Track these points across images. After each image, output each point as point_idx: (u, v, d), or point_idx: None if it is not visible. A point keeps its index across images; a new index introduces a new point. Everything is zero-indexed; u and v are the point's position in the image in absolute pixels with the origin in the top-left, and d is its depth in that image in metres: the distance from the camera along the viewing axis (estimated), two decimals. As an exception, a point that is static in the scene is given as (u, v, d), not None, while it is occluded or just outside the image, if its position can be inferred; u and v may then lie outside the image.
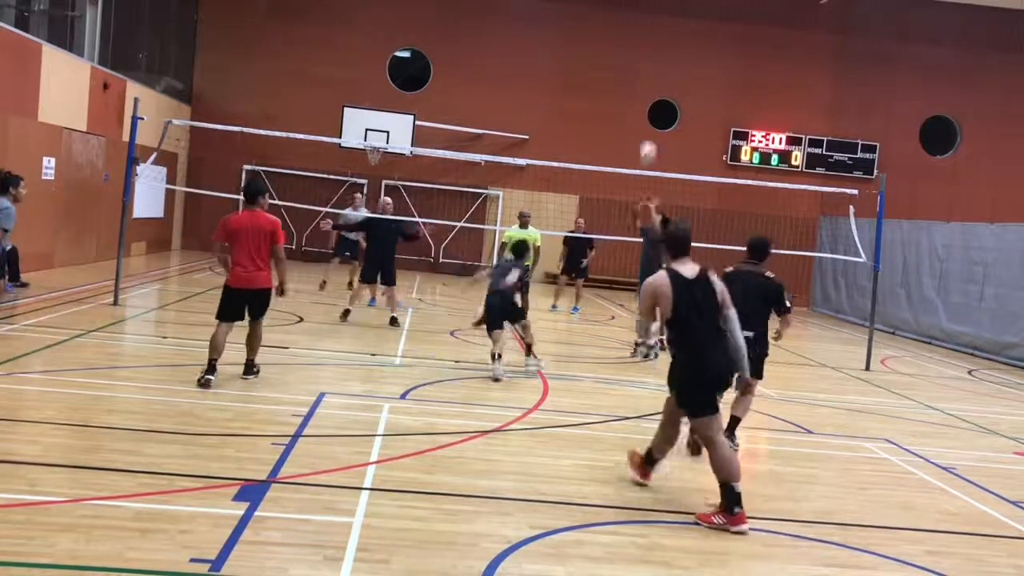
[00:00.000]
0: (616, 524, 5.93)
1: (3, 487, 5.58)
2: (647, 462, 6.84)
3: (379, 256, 14.11)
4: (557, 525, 5.78)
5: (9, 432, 6.74)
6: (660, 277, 6.45)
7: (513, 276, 10.92)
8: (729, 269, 8.35)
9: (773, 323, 8.56)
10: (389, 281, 14.15)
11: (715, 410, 6.44)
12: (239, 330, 9.28)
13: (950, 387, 13.48)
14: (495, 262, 14.35)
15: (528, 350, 11.41)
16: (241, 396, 8.50)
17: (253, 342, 9.27)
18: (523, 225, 15.30)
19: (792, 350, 16.39)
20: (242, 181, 25.17)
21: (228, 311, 9.10)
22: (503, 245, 14.41)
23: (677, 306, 6.33)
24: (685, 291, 6.34)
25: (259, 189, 9.44)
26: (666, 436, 6.83)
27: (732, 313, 6.53)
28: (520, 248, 11.34)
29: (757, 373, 8.21)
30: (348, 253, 16.92)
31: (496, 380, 10.39)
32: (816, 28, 26.72)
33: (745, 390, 8.15)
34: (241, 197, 10.52)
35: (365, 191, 25.48)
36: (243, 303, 9.09)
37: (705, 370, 6.37)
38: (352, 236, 15.98)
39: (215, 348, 8.89)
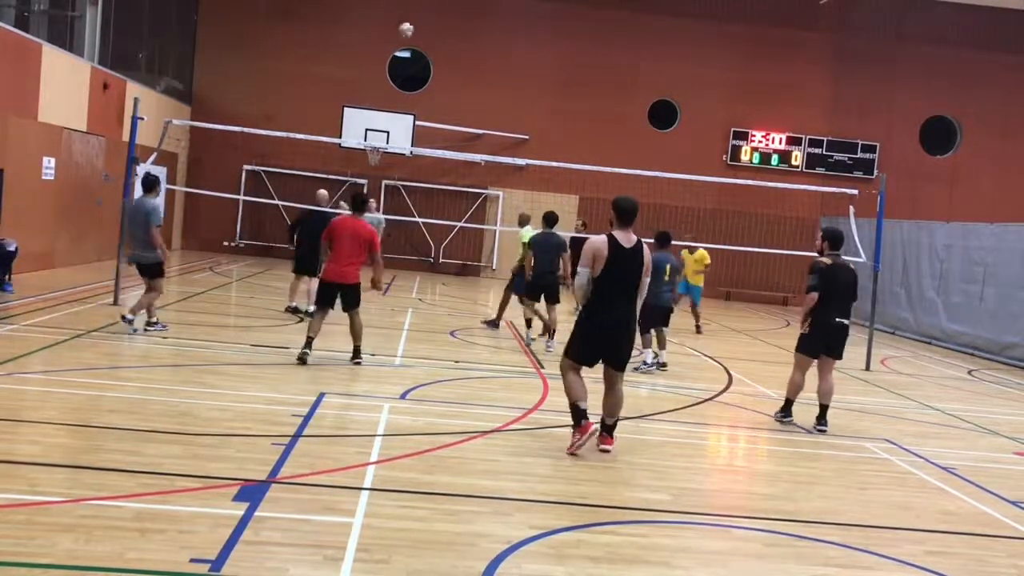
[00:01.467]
0: (616, 524, 5.93)
1: (3, 487, 5.58)
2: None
3: (312, 248, 13.73)
4: (557, 525, 5.78)
5: (9, 432, 6.74)
6: (600, 239, 7.45)
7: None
8: (825, 263, 9.38)
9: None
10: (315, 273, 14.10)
11: (584, 360, 7.60)
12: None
13: (950, 387, 13.48)
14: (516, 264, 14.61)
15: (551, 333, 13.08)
16: (241, 396, 8.50)
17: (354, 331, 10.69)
18: (522, 225, 15.31)
19: (792, 350, 16.38)
20: (242, 181, 25.23)
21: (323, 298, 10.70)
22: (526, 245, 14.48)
23: (607, 267, 7.32)
24: (618, 256, 7.33)
25: (366, 199, 11.32)
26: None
27: (647, 280, 7.55)
28: (552, 219, 13.30)
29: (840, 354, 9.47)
30: None
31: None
32: (816, 28, 26.72)
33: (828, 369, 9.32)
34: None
35: (365, 191, 25.52)
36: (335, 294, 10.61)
37: (595, 326, 7.46)
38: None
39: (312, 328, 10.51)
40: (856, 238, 15.41)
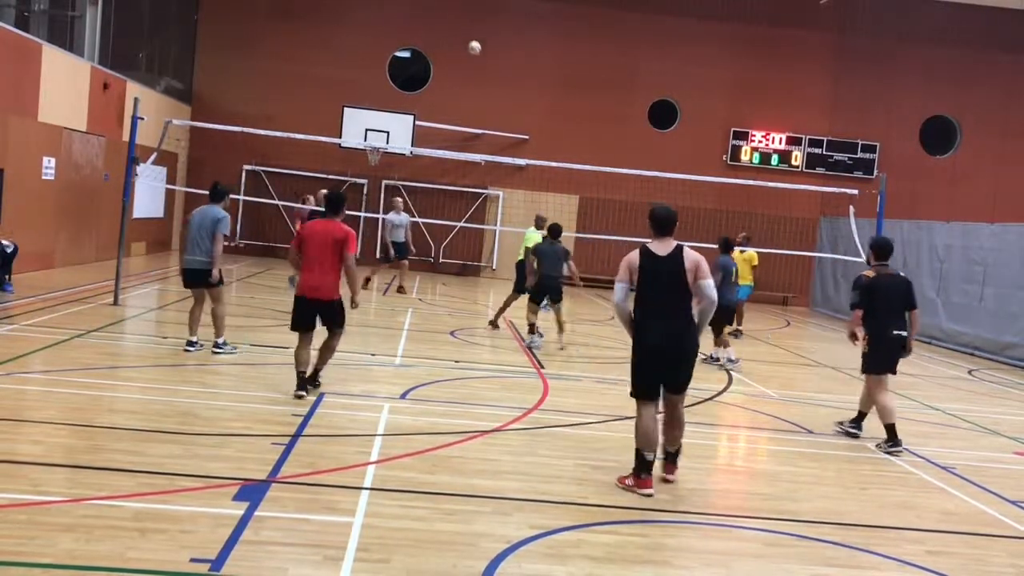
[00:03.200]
0: (616, 524, 5.93)
1: (4, 487, 5.58)
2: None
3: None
4: (557, 525, 5.78)
5: (10, 432, 6.74)
6: (633, 252, 6.89)
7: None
8: (867, 276, 9.01)
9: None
10: None
11: (642, 393, 6.78)
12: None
13: (950, 387, 13.48)
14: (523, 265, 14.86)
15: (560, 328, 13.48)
16: (241, 396, 8.50)
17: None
18: (539, 227, 15.31)
19: (792, 350, 16.40)
20: (242, 181, 25.22)
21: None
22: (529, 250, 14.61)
23: (641, 276, 6.76)
24: (650, 263, 6.75)
25: (343, 199, 9.12)
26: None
27: (708, 282, 6.76)
28: (557, 231, 13.61)
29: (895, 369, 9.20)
30: (397, 255, 18.28)
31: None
32: (816, 28, 26.72)
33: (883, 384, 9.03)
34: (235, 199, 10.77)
35: (364, 192, 25.52)
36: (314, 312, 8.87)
37: (640, 341, 6.77)
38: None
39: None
40: (856, 238, 15.42)
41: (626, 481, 6.72)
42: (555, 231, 13.62)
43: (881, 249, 9.18)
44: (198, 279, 10.51)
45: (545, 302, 13.69)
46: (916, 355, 16.97)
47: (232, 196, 11.61)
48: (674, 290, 6.70)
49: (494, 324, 14.85)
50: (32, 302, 13.15)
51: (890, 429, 8.80)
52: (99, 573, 4.53)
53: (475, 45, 16.91)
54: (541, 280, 13.38)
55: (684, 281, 6.69)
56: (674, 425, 6.97)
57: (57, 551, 4.68)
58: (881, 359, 9.09)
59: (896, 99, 26.97)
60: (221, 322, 10.51)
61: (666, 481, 6.92)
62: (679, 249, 6.77)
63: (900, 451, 8.64)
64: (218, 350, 10.43)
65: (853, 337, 9.32)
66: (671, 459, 7.03)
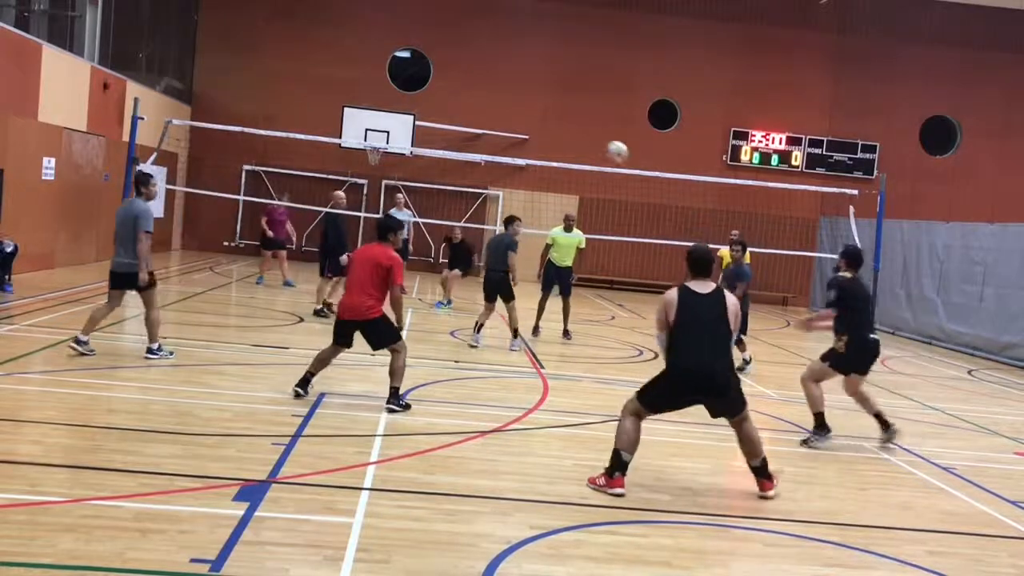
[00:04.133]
0: (616, 524, 5.93)
1: (4, 487, 5.58)
2: None
3: (333, 249, 14.26)
4: (557, 525, 5.78)
5: (10, 432, 6.74)
6: (671, 292, 6.84)
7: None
8: (846, 276, 8.88)
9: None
10: (336, 271, 14.24)
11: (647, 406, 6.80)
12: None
13: (950, 387, 13.48)
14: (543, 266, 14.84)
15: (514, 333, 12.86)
16: (241, 396, 8.50)
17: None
18: (568, 229, 15.20)
19: (792, 350, 16.40)
20: (242, 181, 25.22)
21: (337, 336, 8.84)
22: (548, 246, 14.75)
23: (679, 315, 6.67)
24: (691, 304, 6.70)
25: (390, 226, 8.88)
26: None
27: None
28: (507, 220, 13.37)
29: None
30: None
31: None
32: (816, 28, 26.72)
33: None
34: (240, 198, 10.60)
35: (364, 192, 25.52)
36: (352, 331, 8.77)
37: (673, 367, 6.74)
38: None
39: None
40: (856, 238, 15.43)
41: (597, 481, 6.64)
42: (506, 221, 13.54)
43: (854, 259, 8.99)
44: (123, 283, 9.83)
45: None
46: (916, 355, 17.04)
47: (232, 196, 11.54)
48: (713, 327, 6.68)
49: (535, 330, 14.69)
50: (32, 302, 13.15)
51: (820, 417, 8.84)
52: (99, 573, 4.52)
53: (620, 149, 15.45)
54: (485, 275, 13.39)
55: (724, 320, 6.71)
56: (744, 441, 6.86)
57: (57, 551, 4.68)
58: (863, 359, 8.89)
59: (896, 99, 26.97)
60: (155, 328, 9.89)
61: (765, 498, 6.75)
62: (720, 290, 6.83)
63: (827, 437, 8.69)
64: (151, 356, 9.86)
65: (808, 326, 9.30)
66: (762, 474, 6.81)
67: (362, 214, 22.99)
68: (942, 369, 15.40)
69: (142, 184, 10.07)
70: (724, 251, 17.09)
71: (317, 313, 14.15)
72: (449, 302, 17.23)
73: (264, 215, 18.25)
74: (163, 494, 5.67)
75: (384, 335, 8.68)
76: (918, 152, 27.52)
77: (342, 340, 8.76)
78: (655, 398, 6.77)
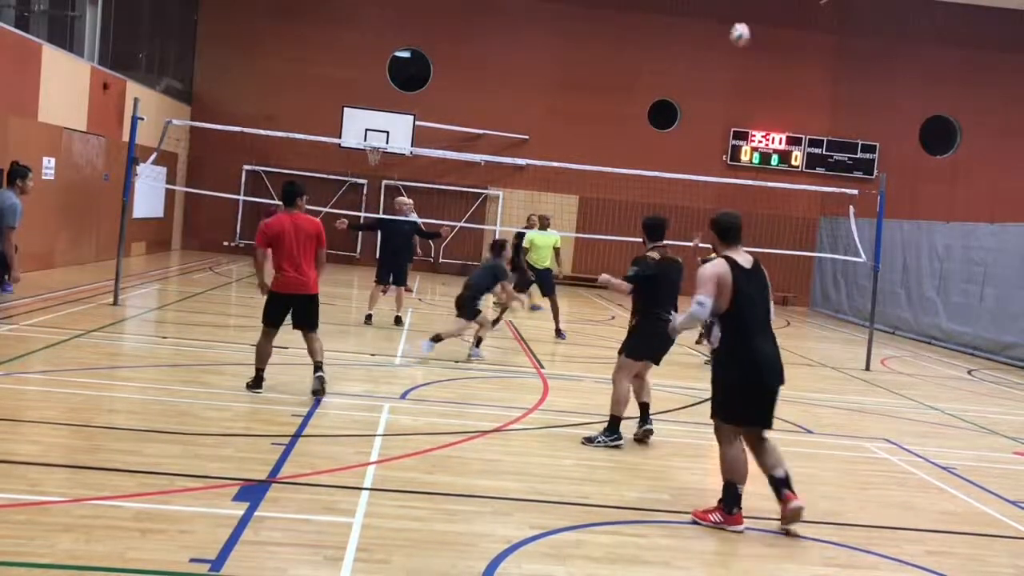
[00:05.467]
0: (616, 524, 5.93)
1: (4, 487, 5.58)
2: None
3: (392, 256, 14.23)
4: (557, 525, 5.78)
5: (9, 432, 6.74)
6: (719, 263, 6.14)
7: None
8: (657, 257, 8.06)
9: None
10: (400, 281, 14.22)
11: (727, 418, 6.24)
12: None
13: (950, 387, 13.48)
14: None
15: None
16: (241, 396, 8.50)
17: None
18: (544, 227, 15.25)
19: (792, 350, 16.39)
20: (242, 181, 25.22)
21: (273, 315, 8.72)
22: (525, 250, 14.75)
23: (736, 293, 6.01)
24: (743, 279, 6.06)
25: (297, 191, 8.92)
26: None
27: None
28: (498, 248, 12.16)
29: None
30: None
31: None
32: (816, 28, 26.72)
33: None
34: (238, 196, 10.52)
35: (364, 192, 25.51)
36: (288, 308, 8.70)
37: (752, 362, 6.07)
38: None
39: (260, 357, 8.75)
40: (856, 238, 15.42)
41: (711, 517, 6.01)
42: (497, 246, 12.30)
43: (653, 230, 8.17)
44: None
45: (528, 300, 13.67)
46: (916, 355, 17.04)
47: (232, 196, 11.57)
48: (767, 306, 6.18)
49: (558, 333, 14.64)
50: (32, 302, 13.14)
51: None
52: (99, 573, 4.52)
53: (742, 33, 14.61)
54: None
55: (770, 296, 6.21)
56: (767, 451, 6.23)
57: (57, 551, 4.67)
58: (651, 345, 8.04)
59: (896, 99, 26.97)
60: None
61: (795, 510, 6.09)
62: (758, 261, 6.27)
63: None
64: None
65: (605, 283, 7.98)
66: (786, 484, 6.08)
67: (362, 214, 22.97)
68: (942, 369, 15.40)
69: (19, 176, 9.63)
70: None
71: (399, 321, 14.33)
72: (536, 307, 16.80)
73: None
74: (163, 494, 5.67)
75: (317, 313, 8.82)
76: (918, 152, 27.52)
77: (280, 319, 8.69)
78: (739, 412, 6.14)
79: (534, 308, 16.50)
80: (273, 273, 8.73)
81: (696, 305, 6.01)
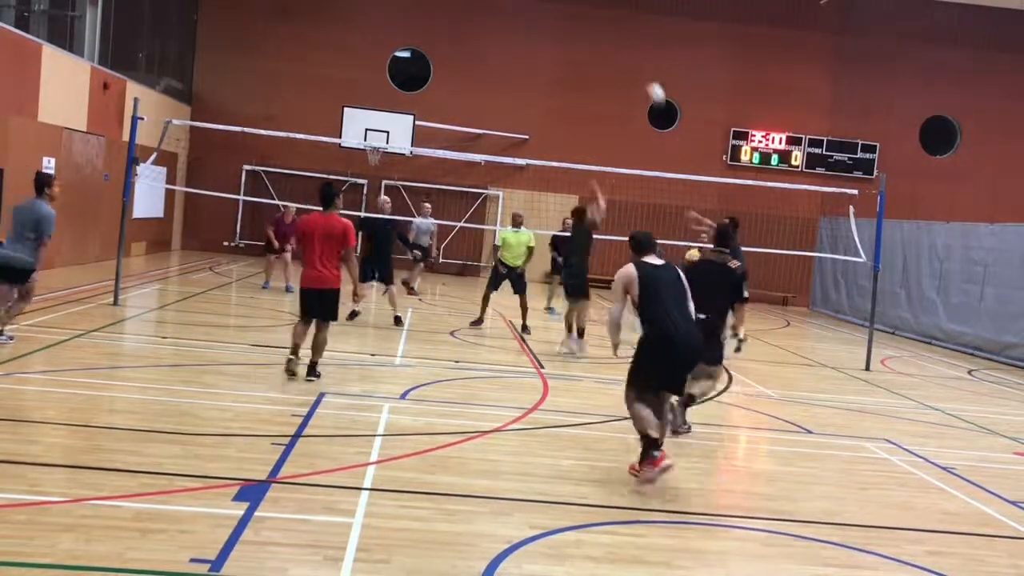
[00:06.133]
0: (616, 524, 5.93)
1: (4, 487, 5.58)
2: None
3: (375, 255, 14.26)
4: (557, 525, 5.78)
5: (9, 432, 6.74)
6: (625, 269, 7.17)
7: None
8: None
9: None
10: (385, 279, 14.25)
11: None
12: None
13: (950, 387, 13.48)
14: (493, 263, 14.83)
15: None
16: (241, 396, 8.50)
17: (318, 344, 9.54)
18: (516, 226, 15.33)
19: (792, 350, 16.40)
20: (242, 181, 25.22)
21: (302, 308, 9.58)
22: (496, 248, 14.84)
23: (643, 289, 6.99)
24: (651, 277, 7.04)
25: (335, 191, 9.71)
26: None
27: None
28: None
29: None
30: (419, 258, 18.53)
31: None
32: (816, 28, 26.72)
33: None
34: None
35: (364, 192, 25.51)
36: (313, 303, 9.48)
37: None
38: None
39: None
40: (856, 238, 15.42)
41: (644, 472, 6.69)
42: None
43: (722, 235, 8.91)
44: (12, 278, 9.74)
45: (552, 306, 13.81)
46: (916, 355, 17.04)
47: (232, 196, 11.67)
48: (682, 293, 7.12)
49: (524, 328, 14.73)
50: (32, 302, 13.13)
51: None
52: (99, 573, 4.52)
53: (658, 92, 14.87)
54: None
55: (685, 286, 7.16)
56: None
57: (57, 551, 4.68)
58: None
59: (896, 99, 26.98)
60: (13, 318, 10.07)
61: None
62: (670, 262, 7.30)
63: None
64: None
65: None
66: (657, 447, 6.82)
67: (362, 214, 22.94)
68: (942, 369, 15.40)
69: (46, 184, 9.92)
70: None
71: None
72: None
73: (271, 224, 18.01)
74: (163, 494, 5.67)
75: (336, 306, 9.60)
76: (918, 152, 27.51)
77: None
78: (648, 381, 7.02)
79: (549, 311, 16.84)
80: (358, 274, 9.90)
81: (607, 312, 7.23)
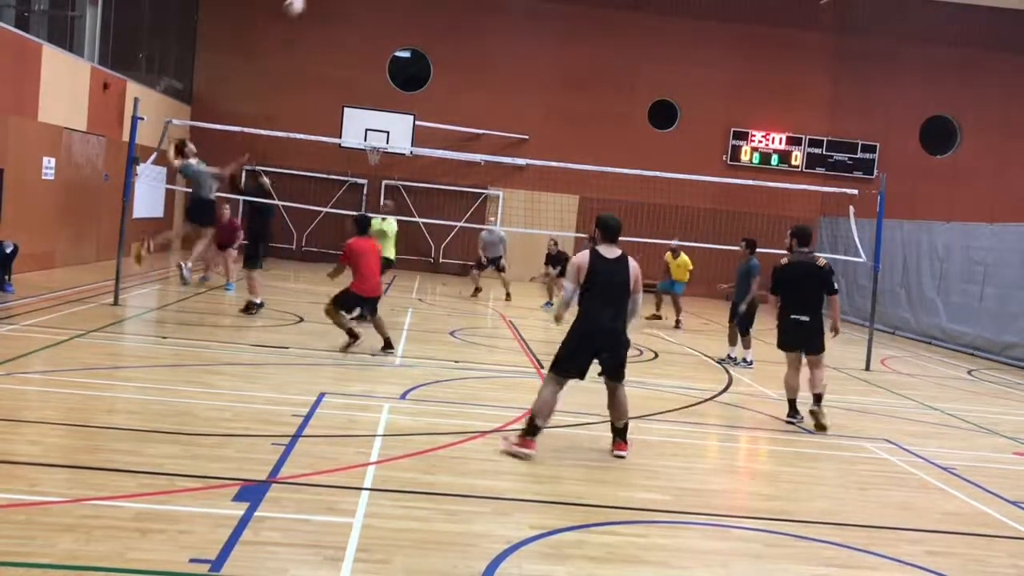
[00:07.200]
0: (616, 524, 5.93)
1: (3, 487, 5.58)
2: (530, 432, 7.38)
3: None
4: (557, 525, 5.78)
5: (9, 432, 6.74)
6: (583, 253, 7.54)
7: None
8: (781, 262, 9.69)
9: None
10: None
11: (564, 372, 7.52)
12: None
13: (950, 387, 13.48)
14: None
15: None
16: (241, 396, 8.50)
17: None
18: (384, 217, 15.64)
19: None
20: (242, 181, 25.19)
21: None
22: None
23: (589, 278, 7.39)
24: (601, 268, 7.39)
25: (369, 222, 12.01)
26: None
27: (638, 298, 7.65)
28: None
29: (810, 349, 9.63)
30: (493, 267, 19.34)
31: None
32: (816, 28, 26.72)
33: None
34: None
35: (364, 192, 25.50)
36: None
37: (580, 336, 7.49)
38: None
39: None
40: (856, 238, 15.42)
41: (511, 440, 7.36)
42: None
43: (802, 236, 9.61)
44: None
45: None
46: (916, 355, 17.04)
47: (228, 196, 11.94)
48: (621, 291, 7.45)
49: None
50: (32, 302, 13.14)
51: (790, 404, 9.65)
52: (99, 573, 4.52)
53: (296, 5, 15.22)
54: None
55: (628, 285, 7.48)
56: (617, 404, 7.59)
57: (57, 551, 4.67)
58: (783, 338, 9.65)
59: (896, 99, 26.98)
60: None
61: (619, 456, 7.50)
62: (625, 257, 7.52)
63: (797, 422, 9.47)
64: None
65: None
66: (622, 436, 7.60)
67: (362, 214, 22.95)
68: (942, 369, 15.40)
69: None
70: (684, 258, 17.96)
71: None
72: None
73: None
74: (163, 494, 5.67)
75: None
76: (918, 152, 27.52)
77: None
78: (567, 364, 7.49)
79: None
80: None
81: (564, 291, 7.60)
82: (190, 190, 13.83)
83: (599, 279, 7.36)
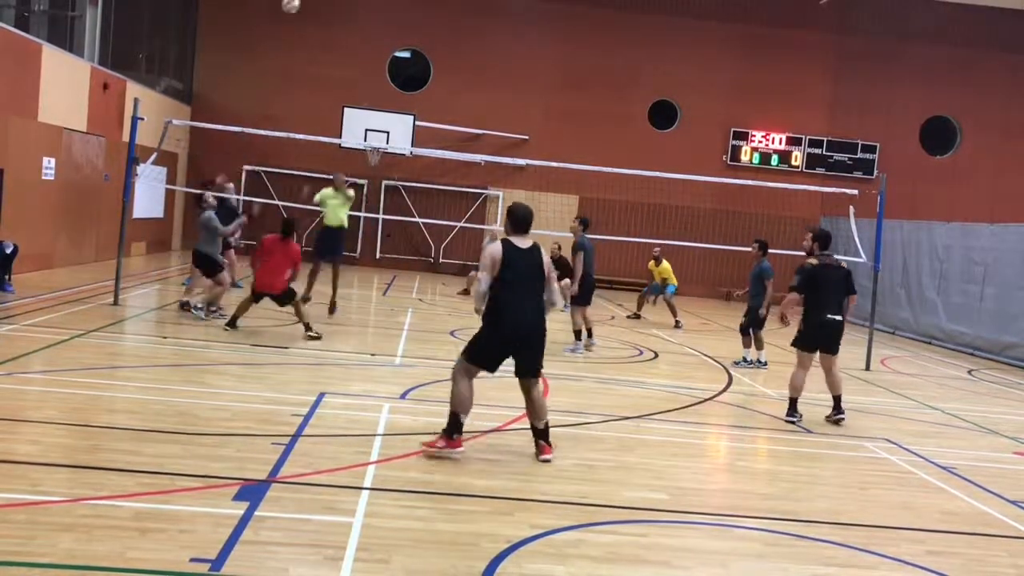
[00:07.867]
0: (616, 524, 5.93)
1: (4, 487, 5.58)
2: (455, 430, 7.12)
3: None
4: (557, 525, 5.78)
5: (9, 432, 6.74)
6: (495, 245, 7.36)
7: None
8: (811, 263, 9.96)
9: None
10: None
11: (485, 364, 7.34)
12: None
13: (950, 387, 13.48)
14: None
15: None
16: (241, 396, 8.50)
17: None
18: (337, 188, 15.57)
19: (792, 350, 16.38)
20: (242, 181, 25.21)
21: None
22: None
23: (503, 269, 7.21)
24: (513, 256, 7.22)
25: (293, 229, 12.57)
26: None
27: (555, 287, 7.57)
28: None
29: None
30: None
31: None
32: (816, 28, 26.72)
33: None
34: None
35: (365, 192, 25.50)
36: None
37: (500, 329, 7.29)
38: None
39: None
40: (856, 238, 15.42)
41: (437, 444, 7.03)
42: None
43: (824, 239, 10.04)
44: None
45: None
46: (916, 355, 17.03)
47: (231, 196, 11.90)
48: (537, 280, 7.35)
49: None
50: (32, 302, 13.15)
51: (792, 403, 9.74)
52: (99, 573, 4.52)
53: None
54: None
55: (543, 273, 7.37)
56: (535, 403, 7.39)
57: (57, 551, 4.67)
58: (810, 340, 9.90)
59: (896, 99, 26.97)
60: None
61: (545, 461, 7.19)
62: (536, 247, 7.41)
63: (796, 421, 9.56)
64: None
65: (783, 319, 10.39)
66: (543, 437, 7.33)
67: (362, 214, 23.00)
68: (942, 369, 15.40)
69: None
70: (666, 265, 18.15)
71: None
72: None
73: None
74: (163, 494, 5.67)
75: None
76: (918, 152, 27.52)
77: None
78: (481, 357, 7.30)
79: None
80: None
81: (477, 281, 7.40)
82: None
83: (515, 269, 7.18)
